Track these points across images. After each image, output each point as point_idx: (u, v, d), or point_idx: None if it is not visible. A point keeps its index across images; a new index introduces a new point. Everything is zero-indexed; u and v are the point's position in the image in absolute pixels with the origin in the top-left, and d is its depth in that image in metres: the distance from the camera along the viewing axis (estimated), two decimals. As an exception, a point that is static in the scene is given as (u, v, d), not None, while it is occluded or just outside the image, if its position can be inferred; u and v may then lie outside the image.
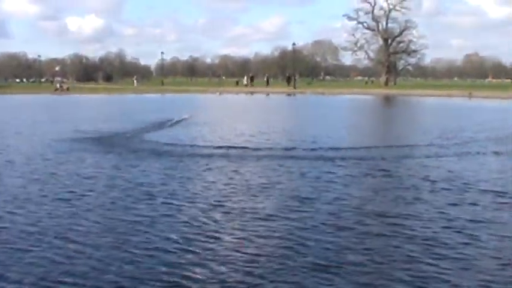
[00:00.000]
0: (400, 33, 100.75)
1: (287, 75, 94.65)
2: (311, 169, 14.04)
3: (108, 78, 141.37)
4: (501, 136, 21.96)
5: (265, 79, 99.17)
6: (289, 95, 70.52)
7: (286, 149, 17.99)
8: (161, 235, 8.30)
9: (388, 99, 62.38)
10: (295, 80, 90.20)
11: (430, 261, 7.24)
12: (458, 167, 14.45)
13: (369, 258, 7.34)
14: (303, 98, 61.32)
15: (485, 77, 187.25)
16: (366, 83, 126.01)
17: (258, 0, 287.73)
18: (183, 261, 7.23)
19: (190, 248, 7.69)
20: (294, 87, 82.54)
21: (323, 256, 7.40)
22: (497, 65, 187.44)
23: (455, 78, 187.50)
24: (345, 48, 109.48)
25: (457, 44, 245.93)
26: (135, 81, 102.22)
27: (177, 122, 27.35)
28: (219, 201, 10.42)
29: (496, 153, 17.27)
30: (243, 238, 8.16)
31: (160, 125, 25.75)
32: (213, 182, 12.35)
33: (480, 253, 7.58)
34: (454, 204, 10.26)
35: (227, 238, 8.17)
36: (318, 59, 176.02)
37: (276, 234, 8.34)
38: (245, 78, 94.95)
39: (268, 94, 70.53)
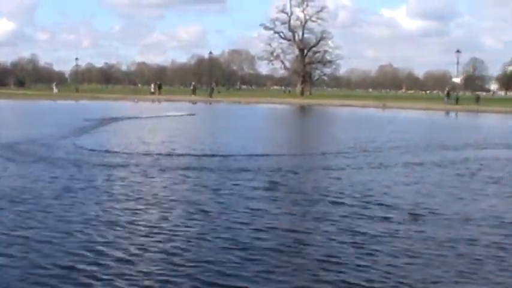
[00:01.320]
0: (316, 44, 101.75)
1: (211, 86, 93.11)
2: (213, 180, 13.55)
3: (21, 84, 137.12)
4: (412, 147, 22.02)
5: (191, 87, 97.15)
6: (205, 103, 69.75)
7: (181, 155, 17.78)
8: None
9: (303, 109, 62.73)
10: (212, 88, 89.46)
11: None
12: (365, 178, 14.16)
13: (264, 277, 6.88)
14: (219, 107, 60.75)
15: (399, 87, 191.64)
16: (285, 92, 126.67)
17: (174, 8, 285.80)
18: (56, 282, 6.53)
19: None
20: (210, 96, 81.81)
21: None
22: (410, 76, 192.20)
23: (370, 89, 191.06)
24: (261, 58, 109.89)
25: (372, 55, 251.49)
26: (54, 88, 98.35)
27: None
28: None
29: (406, 164, 17.13)
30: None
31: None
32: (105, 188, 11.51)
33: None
34: (356, 217, 9.87)
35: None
36: (235, 67, 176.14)
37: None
38: (152, 85, 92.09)
39: (194, 103, 69.55)
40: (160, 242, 8.25)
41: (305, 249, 8.08)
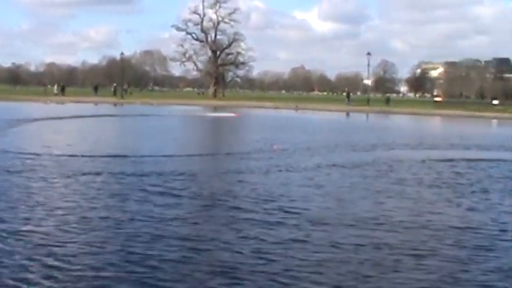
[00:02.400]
0: (229, 45, 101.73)
1: (124, 87, 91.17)
2: (114, 184, 13.19)
3: None
4: (321, 149, 22.06)
5: (93, 88, 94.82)
6: (115, 105, 68.43)
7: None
8: None
9: (215, 111, 62.35)
10: (123, 90, 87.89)
11: None
12: (270, 181, 13.98)
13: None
14: (130, 109, 59.69)
15: (311, 89, 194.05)
16: (199, 94, 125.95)
17: (84, 8, 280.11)
18: None
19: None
20: (122, 97, 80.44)
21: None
22: (323, 78, 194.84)
23: (283, 91, 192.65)
24: (173, 59, 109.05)
25: (284, 57, 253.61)
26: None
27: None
28: None
29: (314, 166, 17.09)
30: None
31: None
32: None
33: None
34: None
35: None
36: (147, 68, 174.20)
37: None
38: (55, 87, 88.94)
39: (96, 104, 68.02)
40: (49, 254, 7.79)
41: (196, 257, 7.83)
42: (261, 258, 7.77)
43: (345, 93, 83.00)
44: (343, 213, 10.67)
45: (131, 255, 7.81)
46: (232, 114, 43.64)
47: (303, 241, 8.69)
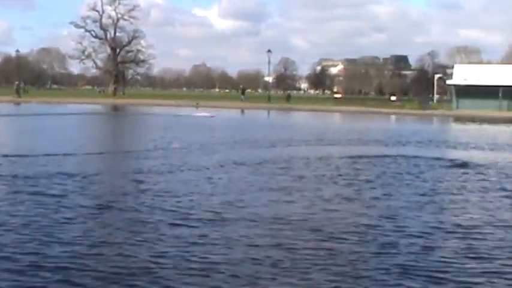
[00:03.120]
0: (129, 43, 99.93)
1: (21, 85, 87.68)
2: None
3: None
4: (221, 146, 21.94)
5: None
6: (17, 103, 66.19)
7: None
8: None
9: (115, 109, 61.41)
10: (20, 88, 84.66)
11: None
12: (166, 181, 13.65)
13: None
14: (27, 108, 57.77)
15: (212, 86, 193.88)
16: (100, 92, 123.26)
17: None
18: None
19: None
20: (19, 96, 77.66)
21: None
22: (224, 75, 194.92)
23: (184, 88, 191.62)
24: (72, 57, 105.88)
25: (185, 55, 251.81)
26: None
27: None
28: None
29: (214, 164, 16.87)
30: None
31: None
32: None
33: None
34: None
35: None
36: (45, 66, 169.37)
37: None
38: None
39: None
40: None
41: (87, 263, 7.39)
42: (155, 263, 7.47)
43: (248, 90, 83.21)
44: (242, 212, 10.49)
45: (15, 263, 7.37)
46: (206, 114, 40.85)
47: (199, 243, 8.44)
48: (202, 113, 29.16)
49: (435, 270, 7.45)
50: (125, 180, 14.13)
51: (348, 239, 8.84)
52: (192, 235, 8.80)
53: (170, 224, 9.50)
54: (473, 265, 7.73)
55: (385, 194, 12.71)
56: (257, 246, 8.30)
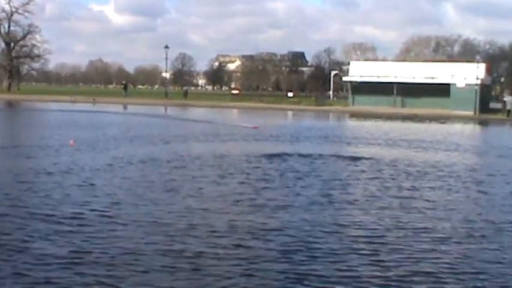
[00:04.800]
0: (23, 37, 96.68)
1: None
2: None
3: None
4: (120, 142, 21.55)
5: None
6: None
7: None
8: None
9: (9, 105, 59.66)
10: None
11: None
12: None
13: None
14: None
15: (109, 82, 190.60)
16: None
17: None
18: None
19: None
20: None
21: None
22: (121, 71, 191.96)
23: (80, 84, 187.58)
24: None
25: (81, 50, 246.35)
26: None
27: None
28: None
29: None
30: None
31: None
32: None
33: None
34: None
35: None
36: None
37: None
38: None
39: None
40: None
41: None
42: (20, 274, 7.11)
43: (145, 86, 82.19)
44: (127, 213, 10.31)
45: None
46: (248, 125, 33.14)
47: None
48: (244, 123, 25.41)
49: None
50: (12, 179, 13.57)
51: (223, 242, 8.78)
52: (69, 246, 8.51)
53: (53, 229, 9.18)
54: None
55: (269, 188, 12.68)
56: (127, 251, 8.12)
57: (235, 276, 7.20)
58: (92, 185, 13.04)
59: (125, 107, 57.81)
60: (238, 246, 8.49)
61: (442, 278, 7.44)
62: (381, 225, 10.09)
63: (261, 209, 11.03)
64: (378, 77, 64.11)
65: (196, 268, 7.48)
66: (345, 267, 7.69)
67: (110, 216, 10.03)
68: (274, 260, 7.92)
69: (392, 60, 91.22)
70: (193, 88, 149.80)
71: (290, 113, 57.76)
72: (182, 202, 11.46)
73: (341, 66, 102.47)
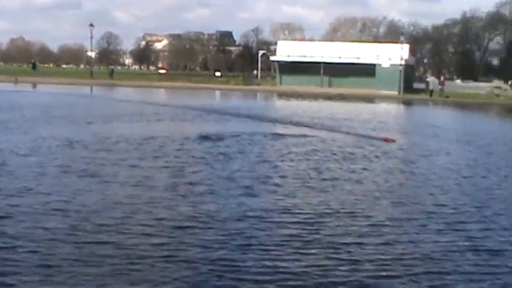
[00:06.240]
0: None
1: None
2: None
3: None
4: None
5: None
6: None
7: None
8: None
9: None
10: None
11: None
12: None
13: None
14: None
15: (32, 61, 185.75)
16: None
17: None
18: None
19: None
20: None
21: None
22: (44, 49, 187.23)
23: (1, 63, 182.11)
24: None
25: (1, 27, 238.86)
26: None
27: None
28: None
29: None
30: None
31: None
32: None
33: None
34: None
35: None
36: None
37: None
38: None
39: None
40: None
41: None
42: None
43: (71, 65, 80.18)
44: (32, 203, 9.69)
45: None
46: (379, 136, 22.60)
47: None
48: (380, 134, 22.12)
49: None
50: None
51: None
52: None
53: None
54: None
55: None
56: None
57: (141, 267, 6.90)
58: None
59: (34, 86, 55.80)
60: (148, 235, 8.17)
61: (363, 264, 7.31)
62: (309, 208, 9.90)
63: (182, 193, 10.70)
64: (305, 56, 64.43)
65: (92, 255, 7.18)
66: (268, 257, 7.45)
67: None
68: (189, 248, 7.64)
69: (320, 41, 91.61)
70: (119, 67, 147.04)
71: (218, 92, 57.41)
72: (95, 188, 11.00)
73: (269, 46, 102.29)
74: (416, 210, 10.12)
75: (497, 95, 59.02)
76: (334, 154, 16.36)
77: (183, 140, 18.08)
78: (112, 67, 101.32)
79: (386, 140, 19.83)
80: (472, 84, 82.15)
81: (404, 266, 7.22)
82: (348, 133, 21.99)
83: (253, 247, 7.75)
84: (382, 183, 12.35)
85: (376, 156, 16.30)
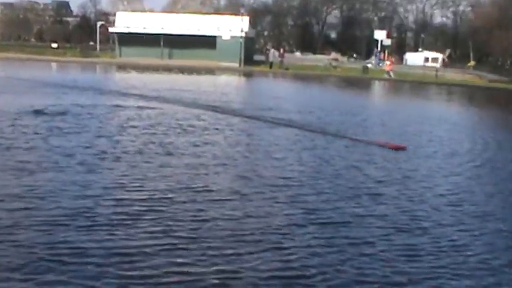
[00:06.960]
0: None
1: None
2: None
3: None
4: None
5: None
6: None
7: None
8: None
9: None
10: None
11: None
12: None
13: None
14: None
15: None
16: None
17: None
18: None
19: None
20: None
21: None
22: None
23: None
24: None
25: None
26: None
27: None
28: None
29: None
30: None
31: None
32: None
33: None
34: None
35: None
36: None
37: None
38: None
39: None
40: None
41: None
42: None
43: None
44: None
45: None
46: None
47: None
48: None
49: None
50: None
51: None
52: None
53: None
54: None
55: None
56: None
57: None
58: None
59: None
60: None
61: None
62: (151, 185, 9.51)
63: (13, 172, 9.92)
64: (145, 28, 63.37)
65: None
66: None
67: None
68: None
69: (160, 12, 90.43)
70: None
71: (54, 64, 55.11)
72: None
73: (108, 17, 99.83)
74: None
75: (335, 67, 61.00)
76: (174, 127, 15.97)
77: (16, 114, 16.84)
78: None
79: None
80: (311, 56, 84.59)
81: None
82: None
83: (95, 227, 7.25)
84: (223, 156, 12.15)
85: (216, 129, 16.12)
